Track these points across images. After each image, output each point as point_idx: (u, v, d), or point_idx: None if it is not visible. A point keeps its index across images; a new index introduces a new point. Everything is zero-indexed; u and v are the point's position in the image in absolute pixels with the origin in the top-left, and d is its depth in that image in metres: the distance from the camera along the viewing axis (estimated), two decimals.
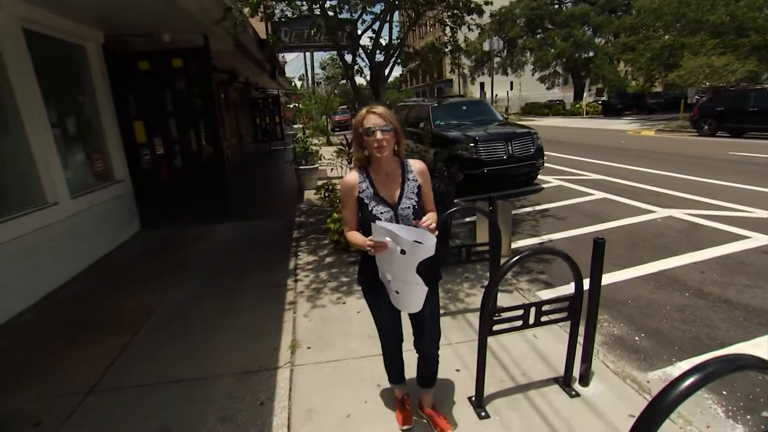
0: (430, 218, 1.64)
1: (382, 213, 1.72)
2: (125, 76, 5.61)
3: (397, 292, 1.68)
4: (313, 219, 6.17)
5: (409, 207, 1.75)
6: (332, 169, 7.11)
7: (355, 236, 1.80)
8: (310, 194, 7.72)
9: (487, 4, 4.86)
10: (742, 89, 15.54)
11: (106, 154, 5.56)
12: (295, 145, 8.92)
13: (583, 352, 2.43)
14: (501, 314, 2.22)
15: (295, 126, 22.16)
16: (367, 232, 1.73)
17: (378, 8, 4.78)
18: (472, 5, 4.65)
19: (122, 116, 5.71)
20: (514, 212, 6.37)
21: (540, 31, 34.09)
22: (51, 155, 4.26)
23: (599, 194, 7.08)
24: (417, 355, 2.04)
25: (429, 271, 1.73)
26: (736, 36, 18.09)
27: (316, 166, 8.55)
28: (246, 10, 5.01)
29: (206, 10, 4.26)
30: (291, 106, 29.28)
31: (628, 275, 4.02)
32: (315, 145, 9.00)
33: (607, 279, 3.97)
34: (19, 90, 3.90)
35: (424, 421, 2.15)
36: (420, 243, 1.49)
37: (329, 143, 13.11)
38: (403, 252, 1.53)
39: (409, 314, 1.89)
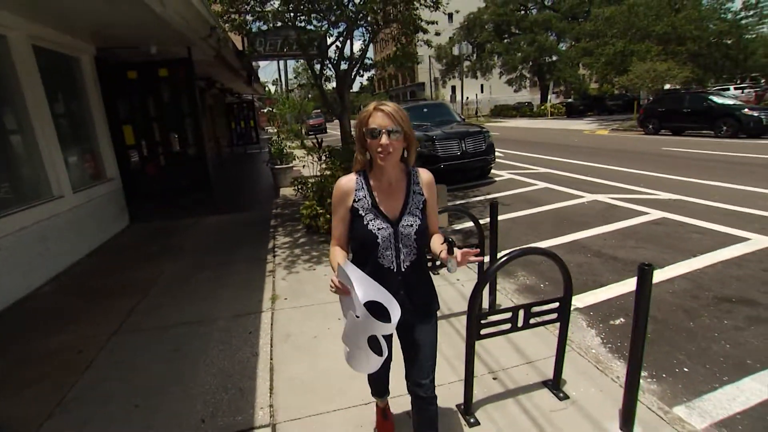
0: (461, 253, 1.36)
1: (379, 229, 1.48)
2: (115, 84, 6.24)
3: (347, 350, 1.44)
4: (288, 210, 6.92)
5: (411, 225, 1.50)
6: (304, 166, 7.86)
7: (336, 255, 1.54)
8: (285, 191, 8.46)
9: (431, 23, 5.77)
10: (678, 92, 17.12)
11: (98, 155, 6.16)
12: (270, 147, 9.62)
13: (490, 288, 3.31)
14: None
15: (270, 130, 22.73)
16: (359, 248, 1.56)
17: (342, 26, 5.62)
18: (419, 24, 5.56)
19: (112, 120, 6.32)
20: (466, 201, 7.32)
21: (507, 36, 35.80)
22: (56, 154, 4.87)
23: (542, 184, 8.10)
24: (410, 396, 1.66)
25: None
26: (676, 44, 19.85)
27: (291, 165, 9.27)
28: (227, 25, 5.74)
29: (193, 28, 4.98)
30: (265, 110, 29.70)
31: (548, 244, 4.95)
32: (289, 147, 9.72)
33: None
34: (30, 98, 4.52)
35: None
36: (374, 319, 1.26)
37: (303, 146, 13.91)
38: (357, 316, 1.29)
39: (401, 342, 1.67)
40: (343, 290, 1.35)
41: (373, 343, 1.36)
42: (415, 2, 5.56)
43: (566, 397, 2.31)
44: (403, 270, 1.53)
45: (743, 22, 20.55)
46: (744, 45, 20.28)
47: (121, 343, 3.05)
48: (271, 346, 2.90)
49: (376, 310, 1.28)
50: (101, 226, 5.77)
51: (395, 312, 1.30)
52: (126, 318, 3.41)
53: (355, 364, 1.44)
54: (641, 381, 2.52)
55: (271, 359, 2.74)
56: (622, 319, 3.20)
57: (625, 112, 26.87)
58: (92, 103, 6.02)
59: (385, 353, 1.40)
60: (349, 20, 5.22)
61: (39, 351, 2.99)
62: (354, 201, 1.52)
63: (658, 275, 3.88)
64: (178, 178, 6.87)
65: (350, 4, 5.04)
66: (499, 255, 3.23)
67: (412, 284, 1.57)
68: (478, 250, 1.38)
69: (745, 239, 4.54)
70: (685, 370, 2.60)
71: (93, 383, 2.60)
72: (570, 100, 34.32)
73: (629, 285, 3.75)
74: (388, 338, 1.64)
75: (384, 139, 1.40)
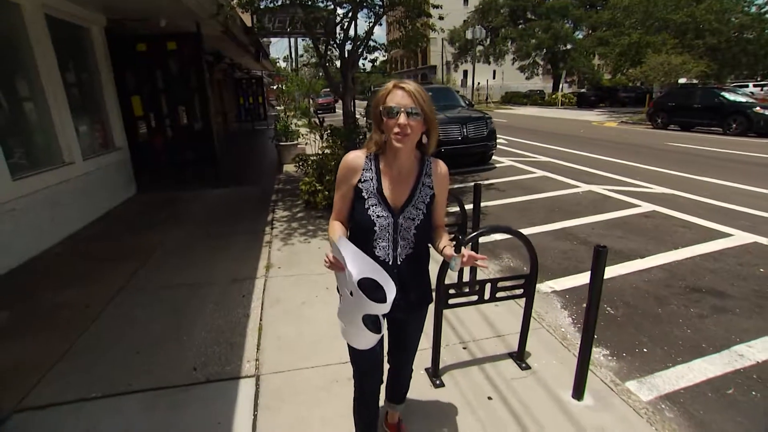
0: (468, 255, 1.34)
1: (379, 217, 1.42)
2: (125, 56, 6.37)
3: (344, 326, 1.38)
4: (289, 186, 7.11)
5: (413, 219, 1.43)
6: (307, 144, 8.02)
7: (335, 229, 1.49)
8: (288, 167, 8.63)
9: (436, 7, 5.81)
10: (689, 86, 16.86)
11: (107, 125, 6.34)
12: (276, 123, 9.76)
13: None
14: None
15: (278, 108, 22.83)
16: (355, 232, 1.49)
17: (347, 7, 5.68)
18: (423, 8, 5.62)
19: (122, 92, 6.48)
20: (464, 185, 7.45)
21: (522, 21, 35.09)
22: (67, 122, 5.06)
23: (540, 173, 8.19)
24: (388, 365, 1.77)
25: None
26: (694, 37, 19.42)
27: (296, 143, 9.42)
28: (234, 1, 5.82)
29: (201, 5, 5.07)
30: (274, 87, 29.59)
31: (537, 230, 5.10)
32: (296, 126, 9.85)
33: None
34: (43, 66, 4.69)
35: None
36: (367, 298, 1.21)
37: (310, 124, 14.06)
38: (352, 294, 1.25)
39: (389, 326, 1.63)
40: (337, 266, 1.29)
41: (370, 321, 1.32)
42: None
43: (528, 367, 2.51)
44: (398, 263, 1.46)
45: (767, 16, 19.97)
46: (765, 40, 19.75)
47: (125, 301, 3.29)
48: (262, 309, 3.12)
49: (371, 288, 1.24)
50: (109, 194, 6.00)
51: (391, 291, 1.25)
52: (130, 279, 3.65)
53: (352, 340, 1.40)
54: (601, 358, 2.73)
55: (261, 320, 2.97)
56: None
57: (637, 104, 26.46)
58: (102, 73, 6.17)
59: (383, 331, 1.35)
60: (354, 2, 5.28)
61: (49, 305, 3.24)
62: (360, 181, 1.44)
63: (637, 264, 4.05)
64: (185, 150, 7.05)
65: None
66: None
67: (405, 279, 1.48)
68: (486, 257, 1.37)
69: (728, 235, 4.66)
70: (645, 350, 2.78)
71: (99, 333, 2.84)
72: (582, 90, 33.81)
73: (607, 272, 3.89)
74: (379, 360, 1.63)
75: (402, 119, 1.31)
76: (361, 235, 1.45)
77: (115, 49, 6.28)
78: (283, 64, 35.27)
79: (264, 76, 20.64)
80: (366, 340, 1.35)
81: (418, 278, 1.54)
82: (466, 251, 1.33)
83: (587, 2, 32.86)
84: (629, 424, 2.04)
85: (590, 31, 32.31)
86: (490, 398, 2.24)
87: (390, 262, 1.46)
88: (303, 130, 9.13)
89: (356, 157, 1.46)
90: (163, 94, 6.74)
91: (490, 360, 2.59)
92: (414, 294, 1.53)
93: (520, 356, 2.56)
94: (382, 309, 1.23)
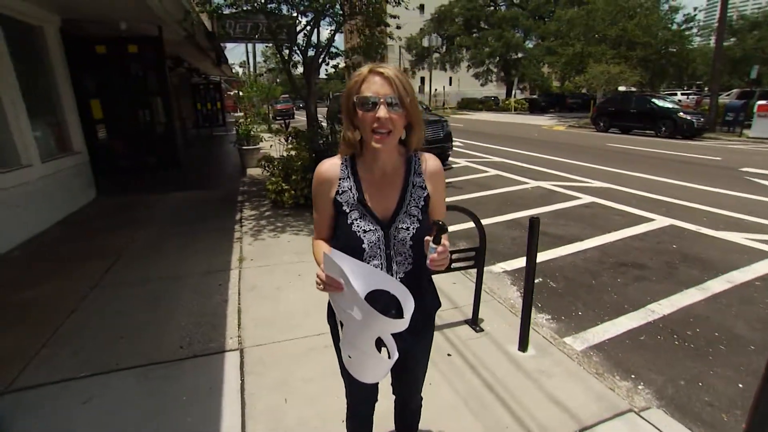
0: (444, 247, 1.06)
1: (366, 232, 1.18)
2: (83, 57, 6.28)
3: (349, 356, 1.15)
4: (254, 188, 7.24)
5: (408, 228, 1.18)
6: (271, 146, 8.18)
7: (321, 246, 1.26)
8: (251, 171, 8.73)
9: (393, 17, 6.24)
10: (626, 93, 18.47)
11: (65, 128, 6.21)
12: (238, 128, 9.82)
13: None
14: None
15: (236, 114, 22.56)
16: (343, 249, 1.13)
17: (310, 15, 5.98)
18: (381, 18, 6.03)
19: (80, 94, 6.37)
20: None
21: (476, 30, 36.74)
22: (24, 124, 4.98)
23: (494, 172, 8.81)
24: (393, 396, 1.55)
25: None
26: (627, 49, 21.31)
27: (258, 146, 9.52)
28: (198, 7, 5.94)
29: (169, 12, 5.15)
30: (231, 93, 29.18)
31: (491, 221, 5.57)
32: (256, 131, 9.96)
33: None
34: None
35: None
36: (382, 315, 0.97)
37: (270, 130, 14.11)
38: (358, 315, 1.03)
39: None
40: (334, 285, 1.02)
41: (381, 345, 1.13)
42: None
43: (481, 330, 2.89)
44: None
45: (686, 33, 22.30)
46: (686, 54, 22.02)
47: (102, 295, 3.37)
48: (239, 295, 3.33)
49: (382, 303, 1.05)
50: (69, 198, 5.89)
51: (408, 303, 1.06)
52: (103, 275, 3.71)
53: (360, 373, 1.15)
54: (544, 321, 3.16)
55: (239, 304, 3.18)
56: (539, 279, 3.85)
57: (583, 110, 28.36)
58: (58, 75, 6.05)
59: (395, 355, 1.11)
60: (317, 11, 5.58)
61: (20, 301, 3.26)
62: (337, 193, 1.20)
63: (576, 246, 4.59)
64: (146, 154, 7.02)
65: None
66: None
67: None
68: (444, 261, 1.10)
69: (652, 219, 5.36)
70: (580, 313, 3.25)
71: (80, 323, 2.94)
72: (534, 96, 35.82)
73: (551, 254, 4.43)
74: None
75: (382, 112, 1.06)
76: (349, 255, 1.13)
77: (73, 50, 6.19)
78: (239, 70, 34.78)
79: (222, 82, 20.37)
80: (379, 369, 1.14)
81: (422, 296, 1.25)
82: (444, 244, 1.07)
83: (536, 14, 34.97)
84: (563, 366, 2.46)
85: (539, 41, 34.37)
86: (449, 354, 2.59)
87: None
88: (266, 135, 9.24)
89: (330, 165, 1.23)
90: (123, 97, 6.70)
91: (449, 326, 2.94)
92: (418, 314, 1.13)
93: (474, 321, 2.93)
94: (401, 325, 1.02)
